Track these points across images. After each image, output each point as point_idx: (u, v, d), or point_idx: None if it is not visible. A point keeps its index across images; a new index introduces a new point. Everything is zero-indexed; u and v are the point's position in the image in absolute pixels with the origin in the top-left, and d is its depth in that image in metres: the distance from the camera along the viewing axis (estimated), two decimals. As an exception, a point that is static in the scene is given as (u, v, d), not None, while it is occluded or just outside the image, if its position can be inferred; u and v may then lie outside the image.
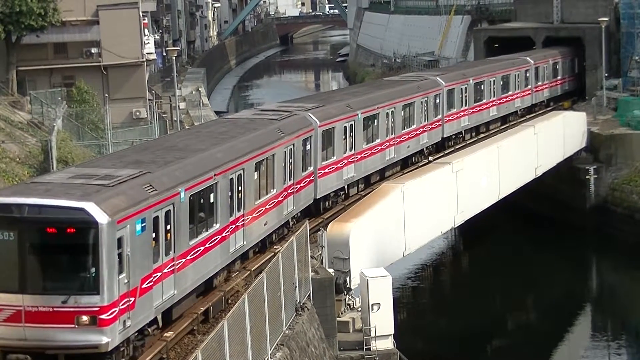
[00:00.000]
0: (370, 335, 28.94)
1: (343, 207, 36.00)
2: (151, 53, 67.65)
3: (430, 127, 45.77)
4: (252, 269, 27.89)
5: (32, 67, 57.59)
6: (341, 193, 36.81)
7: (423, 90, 45.03)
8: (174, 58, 52.45)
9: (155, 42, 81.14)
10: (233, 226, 26.22)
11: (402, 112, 42.38)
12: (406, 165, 43.53)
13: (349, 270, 30.81)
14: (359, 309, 30.13)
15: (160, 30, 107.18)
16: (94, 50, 59.29)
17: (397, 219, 35.15)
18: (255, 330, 21.41)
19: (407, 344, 31.82)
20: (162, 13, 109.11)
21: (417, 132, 44.24)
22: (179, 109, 56.52)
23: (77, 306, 19.49)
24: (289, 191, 30.96)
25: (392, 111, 41.25)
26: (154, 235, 21.57)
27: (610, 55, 64.53)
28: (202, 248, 24.21)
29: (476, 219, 42.78)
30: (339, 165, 35.86)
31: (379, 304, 29.12)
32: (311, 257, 28.13)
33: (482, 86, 52.41)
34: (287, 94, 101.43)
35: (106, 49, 58.79)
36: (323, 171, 34.42)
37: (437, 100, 46.63)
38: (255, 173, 27.92)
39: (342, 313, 29.97)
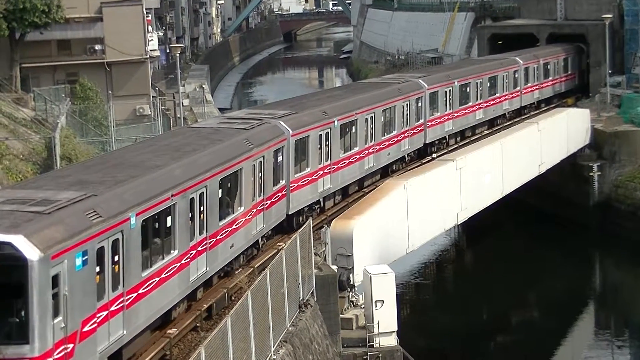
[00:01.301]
0: (373, 332, 28.94)
1: (346, 205, 35.98)
2: (155, 50, 67.71)
3: (412, 132, 43.23)
4: (255, 266, 27.92)
5: (35, 64, 57.69)
6: (316, 207, 34.02)
7: (404, 94, 42.36)
8: (178, 55, 52.41)
9: (158, 39, 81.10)
10: (194, 252, 23.49)
11: (382, 117, 39.77)
12: (386, 173, 40.95)
13: (353, 267, 30.80)
14: (363, 305, 30.13)
15: (164, 27, 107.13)
16: (97, 47, 59.43)
17: (400, 216, 35.13)
18: (259, 327, 21.42)
19: (410, 341, 31.83)
20: (165, 10, 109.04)
21: (398, 138, 41.69)
22: (183, 105, 56.64)
23: (2, 358, 16.85)
24: (258, 208, 28.22)
25: (372, 116, 38.57)
26: (98, 269, 18.82)
27: (614, 52, 64.48)
28: (157, 279, 21.46)
29: (479, 216, 42.76)
30: (313, 177, 33.16)
31: (383, 300, 29.11)
32: (314, 253, 28.13)
33: (468, 88, 50.06)
34: (291, 90, 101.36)
35: (110, 46, 58.90)
36: (296, 184, 31.75)
37: (420, 104, 44.10)
38: (220, 190, 25.20)
39: (345, 310, 29.96)
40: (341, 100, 37.56)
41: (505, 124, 54.36)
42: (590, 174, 54.09)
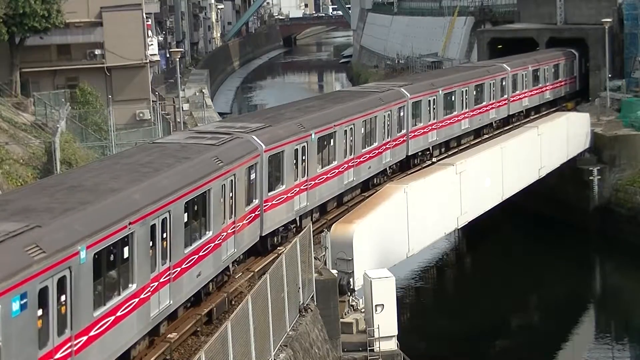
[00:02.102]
0: (373, 336, 28.92)
1: (346, 209, 35.97)
2: (154, 54, 67.78)
3: (394, 144, 41.18)
4: (256, 271, 27.92)
5: (35, 69, 57.70)
6: (292, 226, 31.58)
7: (385, 103, 40.25)
8: (178, 59, 52.47)
9: (158, 43, 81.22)
10: (155, 284, 21.32)
11: (362, 129, 37.50)
12: (367, 187, 38.91)
13: (353, 271, 30.81)
14: (363, 310, 30.12)
15: (164, 32, 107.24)
16: (97, 51, 59.44)
17: (400, 220, 35.14)
18: (259, 331, 21.41)
19: (410, 345, 31.83)
20: (165, 14, 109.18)
21: (379, 151, 39.52)
22: (183, 110, 56.72)
23: None
24: (228, 231, 26.01)
25: (351, 128, 36.31)
26: (40, 312, 16.61)
27: (613, 56, 64.51)
28: (112, 318, 19.33)
29: (480, 220, 42.77)
30: (289, 194, 30.84)
31: (383, 305, 29.10)
32: (315, 258, 28.13)
33: (453, 97, 47.97)
34: (291, 95, 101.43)
35: (110, 51, 58.92)
36: (270, 203, 29.44)
37: (402, 114, 42.09)
38: (186, 215, 23.00)
39: (345, 314, 29.96)
40: (319, 112, 35.11)
41: (492, 134, 52.40)
42: (590, 178, 54.08)
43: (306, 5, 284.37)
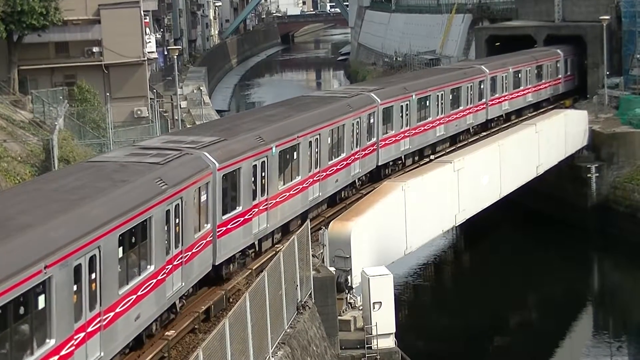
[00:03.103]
0: (371, 334, 28.96)
1: (343, 207, 35.88)
2: (152, 52, 67.72)
3: (363, 153, 38.23)
4: (254, 268, 27.91)
5: (33, 66, 57.68)
6: (250, 251, 28.47)
7: (354, 110, 37.13)
8: (175, 57, 52.48)
9: (156, 41, 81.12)
10: (82, 335, 18.14)
11: (329, 139, 34.32)
12: (334, 202, 35.93)
13: (350, 269, 30.82)
14: (361, 307, 30.14)
15: (162, 29, 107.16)
16: (95, 49, 59.41)
17: (398, 218, 35.15)
18: (257, 328, 21.41)
19: (408, 343, 31.85)
20: (163, 12, 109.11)
21: (348, 162, 36.47)
22: (181, 107, 56.69)
23: None
24: (174, 263, 22.82)
25: (317, 139, 33.11)
26: None
27: (611, 54, 64.52)
28: None
29: (477, 218, 42.78)
30: (246, 217, 27.59)
31: (380, 302, 29.13)
32: (312, 255, 28.13)
33: (427, 102, 44.96)
34: (289, 92, 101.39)
35: (107, 48, 58.88)
36: (224, 228, 26.25)
37: (372, 121, 39.07)
38: (120, 249, 19.84)
39: (343, 312, 29.97)
40: (280, 122, 31.63)
41: (469, 140, 49.63)
42: (588, 175, 54.11)
43: (304, 3, 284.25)
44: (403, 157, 42.92)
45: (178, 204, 23.00)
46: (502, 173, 44.25)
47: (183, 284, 23.48)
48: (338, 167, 35.35)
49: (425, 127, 44.87)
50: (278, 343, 23.34)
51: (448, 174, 39.66)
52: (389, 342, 29.27)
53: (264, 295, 22.23)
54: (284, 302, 24.18)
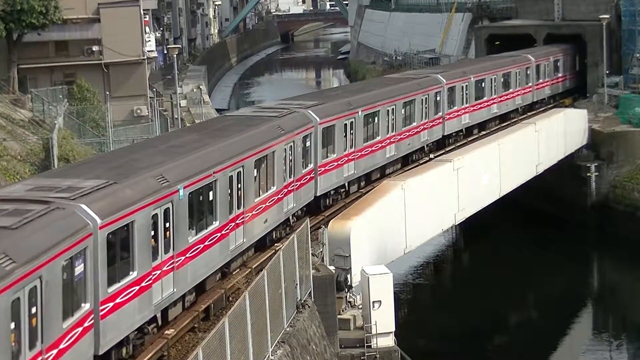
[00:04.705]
0: (371, 333, 28.96)
1: (343, 205, 35.80)
2: (152, 51, 67.71)
3: (298, 184, 31.99)
4: (253, 267, 27.91)
5: (33, 65, 57.60)
6: (151, 327, 22.35)
7: (286, 132, 30.90)
8: (175, 56, 52.53)
9: (156, 39, 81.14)
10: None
11: (255, 171, 28.20)
12: (263, 245, 29.62)
13: (350, 268, 30.84)
14: (360, 306, 30.16)
15: (162, 28, 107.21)
16: (95, 48, 59.33)
17: (398, 217, 35.16)
18: (256, 327, 21.43)
19: (408, 342, 31.83)
20: (163, 11, 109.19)
21: (279, 197, 30.07)
22: (180, 106, 56.72)
23: None
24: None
25: (239, 172, 26.95)
26: None
27: (611, 53, 64.54)
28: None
29: (477, 217, 42.80)
30: (143, 284, 21.29)
31: (380, 301, 29.14)
32: (312, 254, 28.14)
33: (376, 118, 39.52)
34: (288, 91, 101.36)
35: (107, 47, 58.80)
36: (111, 304, 20.05)
37: (308, 144, 33.34)
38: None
39: (343, 310, 29.99)
40: (191, 154, 25.19)
41: (421, 162, 43.89)
42: (588, 174, 54.13)
43: (304, 2, 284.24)
44: (347, 184, 37.17)
45: (21, 297, 16.52)
46: (501, 172, 44.27)
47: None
48: (268, 203, 29.11)
49: (374, 148, 39.25)
50: (278, 342, 23.36)
51: (447, 173, 39.68)
52: (389, 341, 29.28)
53: (263, 294, 22.25)
54: (283, 301, 24.20)
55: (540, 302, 45.87)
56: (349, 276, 30.72)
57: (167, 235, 22.55)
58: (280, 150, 30.17)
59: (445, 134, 47.48)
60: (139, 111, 58.49)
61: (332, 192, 35.72)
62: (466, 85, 49.63)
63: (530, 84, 58.75)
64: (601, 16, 61.97)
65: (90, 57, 59.38)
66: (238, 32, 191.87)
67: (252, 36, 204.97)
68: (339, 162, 35.79)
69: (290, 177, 31.24)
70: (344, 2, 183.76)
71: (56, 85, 55.79)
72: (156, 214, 21.99)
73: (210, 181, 25.04)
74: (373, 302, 29.08)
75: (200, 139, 27.57)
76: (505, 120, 55.39)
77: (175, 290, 22.83)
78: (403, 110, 42.22)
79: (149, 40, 65.29)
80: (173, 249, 22.79)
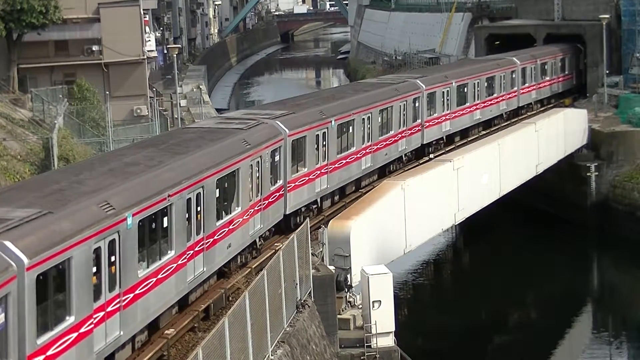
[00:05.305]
0: (371, 333, 28.94)
1: (343, 205, 35.79)
2: (152, 50, 67.79)
3: (266, 202, 29.42)
4: (253, 267, 27.92)
5: (33, 65, 57.66)
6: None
7: (252, 147, 28.25)
8: (175, 55, 52.48)
9: (156, 39, 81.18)
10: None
11: (217, 190, 25.39)
12: (221, 275, 26.94)
13: (350, 268, 30.82)
14: (360, 306, 30.14)
15: (161, 28, 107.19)
16: (95, 47, 59.38)
17: (398, 216, 35.15)
18: (256, 327, 21.41)
19: (408, 341, 31.86)
20: (163, 10, 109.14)
21: (244, 219, 27.47)
22: (180, 106, 56.71)
23: None
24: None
25: (199, 192, 24.24)
26: None
27: (611, 53, 64.55)
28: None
29: (477, 216, 42.77)
30: (79, 332, 18.41)
31: (380, 301, 29.12)
32: (312, 254, 28.13)
33: (350, 128, 37.12)
34: (288, 91, 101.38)
35: (107, 47, 58.85)
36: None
37: (277, 158, 30.70)
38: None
39: (342, 310, 29.97)
40: (140, 177, 22.13)
41: (401, 170, 41.97)
42: (588, 174, 54.13)
43: (304, 1, 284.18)
44: (319, 199, 34.71)
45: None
46: (501, 172, 44.26)
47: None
48: (231, 226, 26.53)
49: (348, 160, 36.82)
50: (277, 341, 23.35)
51: (447, 172, 39.66)
52: (389, 341, 29.26)
53: (263, 294, 22.24)
54: (283, 301, 24.19)
55: (540, 302, 45.88)
56: (348, 276, 30.70)
57: (113, 270, 19.83)
58: (246, 167, 27.48)
59: (425, 142, 45.30)
60: (138, 111, 58.54)
61: (302, 210, 33.02)
62: (447, 91, 47.42)
63: (515, 88, 57.07)
64: (601, 16, 61.97)
65: (90, 56, 59.43)
66: (238, 32, 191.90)
67: (252, 36, 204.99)
68: (310, 177, 33.24)
69: (257, 196, 28.57)
70: (344, 2, 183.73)
71: (56, 85, 55.87)
72: (99, 247, 19.20)
73: (165, 206, 22.13)
74: (373, 302, 29.06)
75: (154, 156, 24.34)
76: (489, 126, 53.58)
77: (122, 333, 20.13)
78: (379, 118, 39.85)
79: (149, 40, 65.37)
80: (120, 286, 20.04)
